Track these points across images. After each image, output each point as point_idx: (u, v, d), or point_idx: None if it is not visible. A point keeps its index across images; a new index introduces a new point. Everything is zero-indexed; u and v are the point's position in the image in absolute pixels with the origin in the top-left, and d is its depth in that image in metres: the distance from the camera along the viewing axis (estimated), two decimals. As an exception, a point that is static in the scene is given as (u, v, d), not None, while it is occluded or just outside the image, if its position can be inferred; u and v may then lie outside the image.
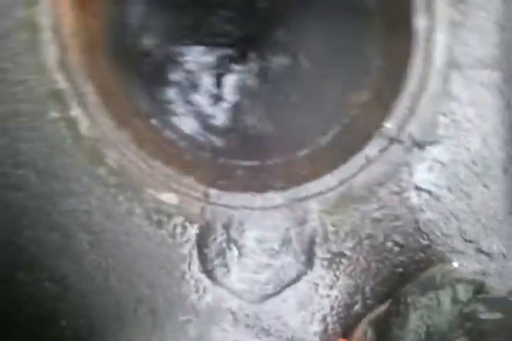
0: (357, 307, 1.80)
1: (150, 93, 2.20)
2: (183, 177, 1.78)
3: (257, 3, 2.42)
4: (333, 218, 1.82)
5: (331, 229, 1.81)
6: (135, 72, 2.17)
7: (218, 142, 2.23)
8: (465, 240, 1.83)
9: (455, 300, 1.46)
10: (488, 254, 1.83)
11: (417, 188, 1.83)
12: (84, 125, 1.75)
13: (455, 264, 1.79)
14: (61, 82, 1.73)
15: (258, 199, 1.79)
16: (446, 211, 1.83)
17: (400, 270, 1.82)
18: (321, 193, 1.83)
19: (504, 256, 1.82)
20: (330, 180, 1.83)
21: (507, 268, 1.81)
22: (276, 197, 1.80)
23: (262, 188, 1.82)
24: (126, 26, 2.26)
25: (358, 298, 1.81)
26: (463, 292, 1.47)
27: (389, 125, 1.85)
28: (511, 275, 1.81)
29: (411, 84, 1.86)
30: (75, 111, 1.73)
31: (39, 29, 1.73)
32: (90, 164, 1.76)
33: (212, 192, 1.78)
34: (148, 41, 2.33)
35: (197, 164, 1.93)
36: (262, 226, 1.80)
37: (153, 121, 2.05)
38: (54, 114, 1.75)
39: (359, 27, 2.25)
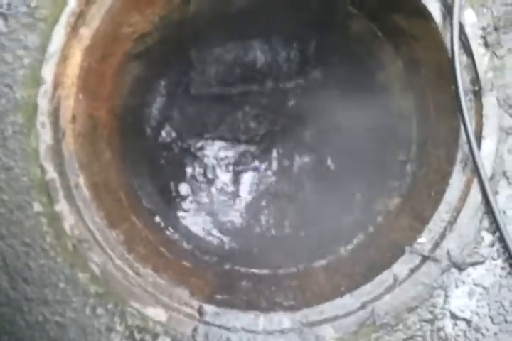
0: None
1: (159, 188, 2.08)
2: (175, 289, 1.57)
3: (285, 101, 2.33)
4: (352, 348, 1.54)
5: (348, 363, 1.53)
6: (146, 165, 2.04)
7: (227, 244, 2.07)
8: None
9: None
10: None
11: (454, 316, 1.60)
12: (69, 222, 1.58)
13: None
14: (50, 172, 1.59)
15: (262, 321, 1.56)
16: None
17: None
18: (337, 317, 1.59)
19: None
20: (349, 301, 1.61)
21: None
22: (283, 319, 1.57)
23: (268, 306, 1.60)
24: (143, 117, 2.17)
25: None
26: None
27: (423, 239, 1.65)
28: None
29: (450, 194, 1.66)
30: (61, 206, 1.58)
31: (36, 112, 1.62)
32: (70, 268, 1.57)
33: (208, 308, 1.56)
34: (166, 134, 2.22)
35: (196, 271, 1.74)
36: (264, 355, 1.54)
37: (157, 219, 1.88)
38: (36, 208, 1.60)
39: (394, 130, 2.08)
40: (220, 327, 1.58)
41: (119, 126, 1.93)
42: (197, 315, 1.59)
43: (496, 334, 1.59)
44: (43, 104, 1.61)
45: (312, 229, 2.19)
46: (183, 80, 2.41)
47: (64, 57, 1.63)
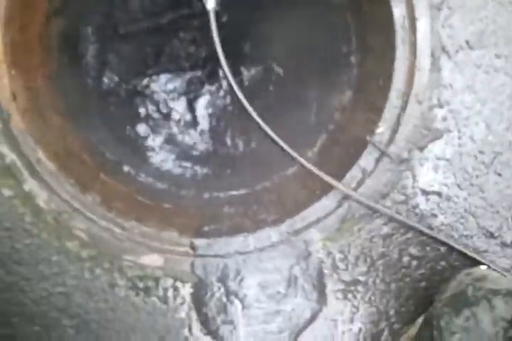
0: (385, 334, 1.65)
1: (118, 136, 2.05)
2: (163, 233, 1.63)
3: (218, 18, 2.25)
4: (339, 244, 1.68)
5: (338, 256, 1.68)
6: (98, 117, 2.02)
7: (200, 173, 2.09)
8: (487, 237, 1.70)
9: (496, 318, 1.31)
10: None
11: (425, 192, 1.70)
12: (42, 198, 1.60)
13: (482, 267, 1.62)
14: (8, 155, 1.58)
15: (252, 241, 1.64)
16: (461, 210, 1.69)
17: (423, 284, 1.69)
18: (319, 220, 1.68)
19: (534, 244, 1.65)
20: (326, 203, 1.68)
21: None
22: (271, 234, 1.65)
23: (255, 225, 1.66)
24: (81, 69, 2.10)
25: (384, 324, 1.68)
26: (503, 306, 1.32)
27: (380, 129, 1.67)
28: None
29: (396, 79, 1.69)
30: (29, 185, 1.59)
31: (-28, 99, 1.56)
32: (57, 240, 1.61)
33: (200, 242, 1.63)
34: (108, 79, 2.18)
35: (178, 210, 1.77)
36: (262, 270, 1.66)
37: (126, 168, 1.89)
38: (6, 192, 1.60)
39: (330, 22, 2.08)
40: (214, 256, 1.66)
41: (59, 88, 1.88)
42: (190, 250, 1.67)
43: (465, 199, 1.70)
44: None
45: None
46: (109, 22, 2.32)
47: (-17, 37, 1.56)
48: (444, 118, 1.68)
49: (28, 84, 1.67)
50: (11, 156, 1.59)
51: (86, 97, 2.09)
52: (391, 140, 1.69)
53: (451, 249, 1.68)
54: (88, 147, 1.84)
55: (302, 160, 1.74)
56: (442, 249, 1.69)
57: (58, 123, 1.75)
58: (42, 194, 1.60)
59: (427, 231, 1.65)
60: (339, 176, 1.74)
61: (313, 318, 1.66)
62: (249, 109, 1.77)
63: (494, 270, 1.63)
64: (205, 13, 2.41)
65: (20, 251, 1.62)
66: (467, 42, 1.67)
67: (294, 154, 1.75)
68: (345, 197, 1.69)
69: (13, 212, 1.61)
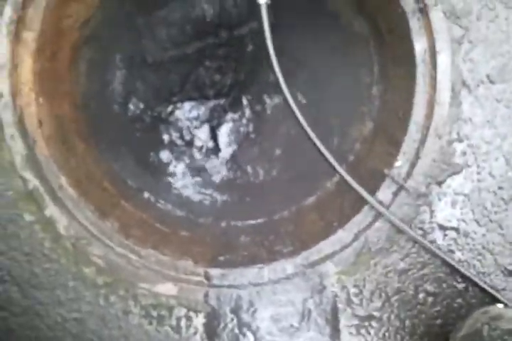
0: (399, 372, 1.61)
1: (141, 163, 2.09)
2: (179, 262, 1.65)
3: (244, 47, 2.30)
4: (354, 278, 1.68)
5: (353, 291, 1.67)
6: (122, 144, 2.06)
7: (220, 200, 2.11)
8: (505, 275, 1.67)
9: (511, 359, 1.26)
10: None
11: (442, 227, 1.69)
12: (62, 224, 1.64)
13: (499, 305, 1.59)
14: (31, 180, 1.62)
15: (266, 272, 1.64)
16: (479, 246, 1.68)
17: (439, 321, 1.67)
18: (335, 253, 1.69)
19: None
20: (343, 236, 1.69)
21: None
22: (286, 266, 1.65)
23: (270, 257, 1.66)
24: (107, 96, 2.16)
25: (398, 361, 1.62)
26: None
27: (399, 163, 1.68)
28: None
29: (416, 112, 1.69)
30: (50, 210, 1.63)
31: (1, 125, 1.62)
32: (75, 266, 1.64)
33: (214, 272, 1.64)
34: (134, 106, 2.22)
35: (195, 238, 1.79)
36: (275, 303, 1.66)
37: (145, 195, 1.92)
38: (28, 218, 1.65)
39: (353, 54, 2.09)
40: (228, 287, 1.67)
41: (85, 115, 1.93)
42: (205, 280, 1.68)
43: (484, 235, 1.69)
44: (7, 116, 1.61)
45: (297, 169, 2.22)
46: (137, 50, 2.37)
47: (15, 66, 1.62)
48: (464, 153, 1.68)
49: (54, 111, 1.72)
50: (34, 182, 1.63)
51: (111, 124, 2.13)
52: (409, 174, 1.69)
53: (468, 286, 1.65)
54: (110, 174, 1.88)
55: (341, 170, 1.74)
56: (459, 286, 1.67)
57: (82, 150, 1.78)
58: (62, 220, 1.64)
59: (452, 262, 1.62)
60: (357, 208, 1.73)
61: (326, 353, 1.63)
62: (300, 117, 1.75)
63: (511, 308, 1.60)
64: (230, 42, 2.47)
65: (39, 275, 1.65)
66: (488, 77, 1.67)
67: (336, 164, 1.74)
68: (362, 230, 1.67)
69: (34, 237, 1.64)
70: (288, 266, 1.66)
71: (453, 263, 1.62)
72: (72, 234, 1.63)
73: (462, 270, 1.61)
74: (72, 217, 1.61)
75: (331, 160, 1.70)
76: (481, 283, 1.62)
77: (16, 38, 1.63)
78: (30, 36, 1.66)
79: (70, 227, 1.63)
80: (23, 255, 1.65)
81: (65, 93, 1.82)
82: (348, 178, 1.70)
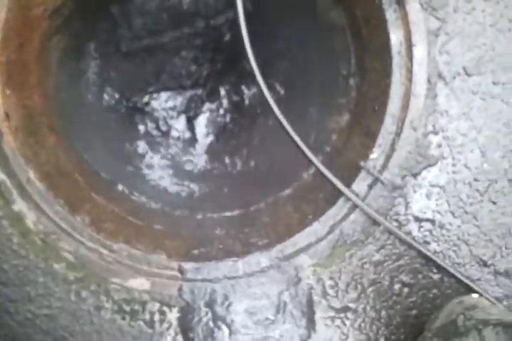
0: (375, 363, 1.62)
1: (115, 154, 2.06)
2: (152, 256, 1.63)
3: (221, 37, 2.27)
4: (329, 270, 1.67)
5: (328, 283, 1.67)
6: (96, 136, 2.02)
7: (197, 192, 2.09)
8: (480, 265, 1.68)
9: (485, 348, 1.27)
10: (508, 275, 1.69)
11: (417, 219, 1.68)
12: (30, 219, 1.60)
13: (474, 295, 1.61)
14: (-3, 176, 1.56)
15: (241, 266, 1.63)
16: (454, 237, 1.68)
17: (414, 312, 1.67)
18: (310, 245, 1.68)
19: (527, 274, 1.64)
20: (318, 228, 1.68)
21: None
22: (261, 259, 1.64)
23: (245, 249, 1.65)
24: (81, 86, 2.11)
25: (374, 352, 1.62)
26: (493, 337, 1.31)
27: (374, 155, 1.67)
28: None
29: (391, 104, 1.68)
30: (19, 205, 1.59)
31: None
32: (44, 262, 1.61)
33: (188, 266, 1.63)
34: (109, 96, 2.19)
35: (169, 232, 1.77)
36: (250, 296, 1.65)
37: (119, 187, 1.89)
38: (-6, 213, 1.59)
39: (331, 44, 2.07)
40: (202, 280, 1.66)
41: (56, 106, 1.88)
42: (178, 274, 1.66)
43: (459, 226, 1.69)
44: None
45: (274, 160, 2.21)
46: (112, 39, 2.33)
47: (-22, 56, 1.57)
48: (439, 145, 1.68)
49: (22, 102, 1.67)
50: (0, 176, 1.60)
51: (84, 115, 2.09)
52: (385, 166, 1.68)
53: (443, 276, 1.66)
54: (82, 166, 1.85)
55: (317, 163, 1.72)
56: (435, 276, 1.68)
57: (52, 142, 1.75)
58: (30, 215, 1.60)
59: (428, 253, 1.63)
60: (332, 200, 1.72)
61: (301, 345, 1.63)
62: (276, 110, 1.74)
63: (486, 299, 1.61)
64: (207, 31, 2.44)
65: (7, 272, 1.62)
66: (464, 69, 1.67)
67: (311, 156, 1.72)
68: (337, 223, 1.67)
69: (1, 233, 1.61)
70: (263, 258, 1.65)
71: (428, 254, 1.62)
72: (41, 229, 1.60)
73: (438, 261, 1.62)
74: (41, 212, 1.58)
75: (307, 151, 1.68)
76: (457, 274, 1.62)
77: (-22, 28, 1.57)
78: (-6, 27, 1.60)
79: (39, 222, 1.60)
80: (-9, 251, 1.61)
81: (34, 84, 1.78)
82: (324, 170, 1.69)
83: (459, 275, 1.63)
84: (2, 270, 1.61)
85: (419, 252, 1.65)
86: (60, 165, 1.72)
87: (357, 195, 1.68)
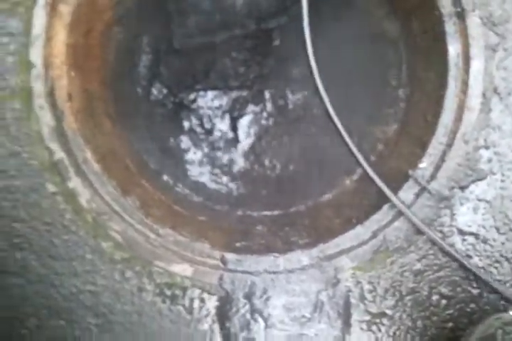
0: (406, 372, 1.60)
1: (161, 146, 2.08)
2: (196, 244, 1.64)
3: (271, 41, 2.29)
4: (369, 275, 1.66)
5: (367, 287, 1.66)
6: (144, 126, 2.05)
7: (236, 191, 2.10)
8: None
9: (525, 363, 1.24)
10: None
11: (461, 232, 1.67)
12: (84, 197, 1.63)
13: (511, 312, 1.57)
14: (57, 152, 1.62)
15: (282, 262, 1.63)
16: (497, 254, 1.66)
17: (451, 325, 1.65)
18: (352, 248, 1.67)
19: None
20: (361, 232, 1.67)
21: None
22: (302, 257, 1.64)
23: (286, 247, 1.66)
24: (132, 78, 2.15)
25: (406, 361, 1.61)
26: None
27: (423, 164, 1.66)
28: None
29: (445, 117, 1.68)
30: (74, 183, 1.62)
31: (32, 95, 1.62)
32: (93, 239, 1.64)
33: (230, 257, 1.63)
34: (157, 90, 2.21)
35: (212, 223, 1.78)
36: (288, 292, 1.65)
37: (164, 178, 1.91)
38: (51, 188, 1.64)
39: (383, 54, 2.08)
40: (243, 272, 1.66)
41: (112, 94, 1.92)
42: (220, 264, 1.67)
43: (503, 243, 1.67)
44: (38, 87, 1.61)
45: (315, 164, 2.21)
46: (165, 35, 2.37)
47: (49, 38, 1.62)
48: (489, 160, 1.67)
49: (84, 86, 1.71)
50: (59, 154, 1.63)
51: (135, 106, 2.12)
52: (433, 176, 1.67)
53: (482, 291, 1.64)
54: (132, 154, 1.88)
55: (366, 166, 1.72)
56: (474, 291, 1.66)
57: (108, 127, 1.78)
58: (84, 193, 1.63)
59: (470, 267, 1.62)
60: (377, 206, 1.72)
61: (335, 346, 1.62)
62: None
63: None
64: (257, 34, 2.46)
65: (57, 246, 1.64)
66: (521, 86, 1.65)
67: (359, 157, 1.72)
68: (381, 228, 1.66)
69: (55, 208, 1.64)
70: (303, 257, 1.65)
71: (471, 267, 1.60)
72: (94, 208, 1.62)
73: (481, 275, 1.59)
74: (94, 191, 1.61)
75: (357, 154, 1.68)
76: (502, 288, 1.60)
77: (52, 10, 1.64)
78: (66, 9, 1.66)
79: (92, 201, 1.63)
80: (44, 224, 1.65)
81: (95, 70, 1.82)
82: (372, 174, 1.69)
83: (501, 290, 1.60)
84: (52, 244, 1.64)
85: (461, 265, 1.63)
86: (114, 150, 1.75)
87: (403, 203, 1.66)
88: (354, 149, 1.69)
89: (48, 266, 1.64)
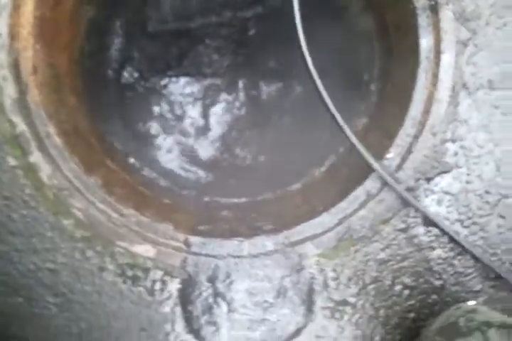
0: (367, 360, 1.60)
1: (130, 129, 2.05)
2: (160, 225, 1.61)
3: (246, 30, 2.28)
4: (333, 262, 1.66)
5: (331, 274, 1.65)
6: (112, 108, 2.02)
7: (204, 177, 2.09)
8: (482, 278, 1.66)
9: (491, 350, 1.26)
10: (510, 291, 1.65)
11: (426, 224, 1.66)
12: (45, 172, 1.59)
13: (471, 302, 1.59)
14: (19, 125, 1.57)
15: (246, 246, 1.62)
16: (459, 246, 1.65)
17: (412, 315, 1.66)
18: (317, 235, 1.66)
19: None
20: (327, 219, 1.66)
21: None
22: (267, 243, 1.62)
23: (251, 232, 1.65)
24: (103, 60, 2.11)
25: (367, 349, 1.61)
26: (497, 338, 1.28)
27: (390, 155, 1.66)
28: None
29: (414, 109, 1.68)
30: (35, 157, 1.57)
31: (-5, 66, 1.56)
32: (54, 216, 1.59)
33: (194, 240, 1.61)
34: (128, 74, 2.18)
35: (177, 207, 1.76)
36: (252, 277, 1.64)
37: (131, 160, 1.88)
38: (11, 162, 1.59)
39: (355, 48, 2.08)
40: (207, 255, 1.64)
41: (80, 71, 1.89)
42: (184, 246, 1.64)
43: (466, 236, 1.68)
44: (2, 57, 1.56)
45: (285, 155, 2.21)
46: (139, 18, 2.34)
47: (16, 7, 1.58)
48: (455, 154, 1.68)
49: (50, 60, 1.67)
50: (22, 127, 1.58)
51: (104, 87, 2.09)
52: (400, 166, 1.68)
53: (445, 283, 1.66)
54: (98, 133, 1.84)
55: (348, 132, 1.70)
56: (436, 282, 1.66)
57: (73, 103, 1.74)
58: (46, 168, 1.59)
59: (456, 237, 1.63)
60: (342, 196, 1.72)
61: (297, 332, 1.63)
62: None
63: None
64: (233, 22, 2.45)
65: (16, 221, 1.60)
66: (489, 82, 1.67)
67: (342, 123, 1.70)
68: (346, 216, 1.66)
69: (15, 182, 1.59)
70: (268, 242, 1.64)
71: (463, 243, 1.62)
72: (55, 184, 1.58)
73: (472, 250, 1.62)
74: (56, 167, 1.57)
75: (344, 126, 1.66)
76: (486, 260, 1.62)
77: (19, -22, 1.57)
78: (33, -21, 1.60)
79: (53, 177, 1.59)
80: (2, 199, 1.60)
81: (63, 45, 1.79)
82: (358, 145, 1.67)
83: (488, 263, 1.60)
84: (11, 219, 1.60)
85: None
86: (78, 127, 1.71)
87: (369, 193, 1.67)
88: (337, 116, 1.66)
89: (7, 242, 1.60)
